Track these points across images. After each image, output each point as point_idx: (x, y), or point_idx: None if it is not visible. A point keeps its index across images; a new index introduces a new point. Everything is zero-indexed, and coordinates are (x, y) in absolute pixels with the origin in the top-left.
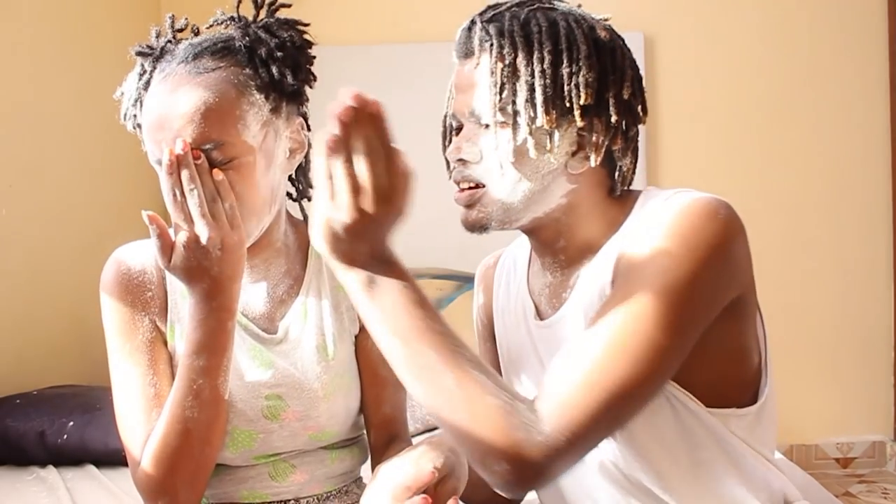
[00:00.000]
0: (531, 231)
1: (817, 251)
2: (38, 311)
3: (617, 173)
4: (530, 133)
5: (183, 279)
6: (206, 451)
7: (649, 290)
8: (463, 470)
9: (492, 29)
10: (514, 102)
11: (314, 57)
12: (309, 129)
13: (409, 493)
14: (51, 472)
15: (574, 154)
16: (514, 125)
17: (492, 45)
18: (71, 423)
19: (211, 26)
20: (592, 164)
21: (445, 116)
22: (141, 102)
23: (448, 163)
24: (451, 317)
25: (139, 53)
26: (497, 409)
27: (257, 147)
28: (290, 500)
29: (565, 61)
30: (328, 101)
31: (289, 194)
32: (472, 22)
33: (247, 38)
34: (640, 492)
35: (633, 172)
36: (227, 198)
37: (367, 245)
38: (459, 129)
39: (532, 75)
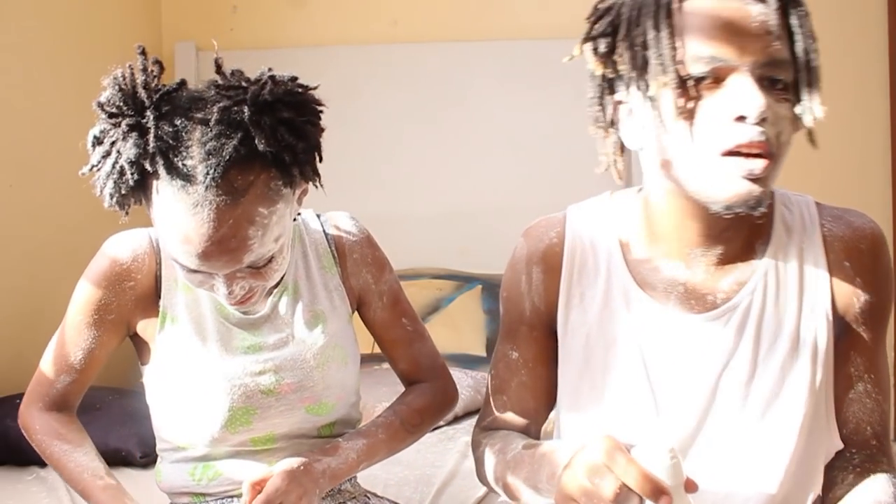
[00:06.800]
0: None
1: None
2: (38, 311)
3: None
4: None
5: None
6: None
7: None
8: None
9: None
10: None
11: (321, 109)
12: None
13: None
14: (51, 472)
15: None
16: (811, 83)
17: None
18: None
19: (219, 90)
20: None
21: (676, 61)
22: (124, 175)
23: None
24: (452, 317)
25: (111, 115)
26: None
27: (288, 226)
28: None
29: None
30: (329, 102)
31: None
32: None
33: (263, 137)
34: None
35: None
36: None
37: None
38: (717, 78)
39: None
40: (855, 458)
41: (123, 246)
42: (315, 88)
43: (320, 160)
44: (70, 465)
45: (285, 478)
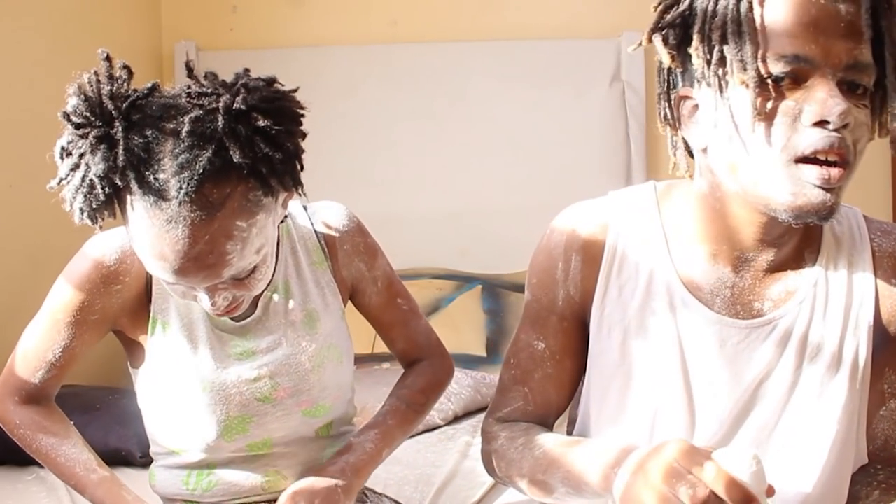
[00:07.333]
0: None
1: None
2: (37, 312)
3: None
4: None
5: None
6: None
7: None
8: None
9: None
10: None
11: (303, 113)
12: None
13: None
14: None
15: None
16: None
17: None
18: (71, 423)
19: (189, 98)
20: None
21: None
22: (94, 189)
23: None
24: (451, 317)
25: (78, 126)
26: None
27: (271, 235)
28: None
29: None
30: (329, 101)
31: None
32: None
33: (238, 148)
34: None
35: None
36: None
37: None
38: (797, 78)
39: None
40: (880, 474)
41: (109, 246)
42: (295, 91)
43: (301, 168)
44: (60, 460)
45: (295, 490)
